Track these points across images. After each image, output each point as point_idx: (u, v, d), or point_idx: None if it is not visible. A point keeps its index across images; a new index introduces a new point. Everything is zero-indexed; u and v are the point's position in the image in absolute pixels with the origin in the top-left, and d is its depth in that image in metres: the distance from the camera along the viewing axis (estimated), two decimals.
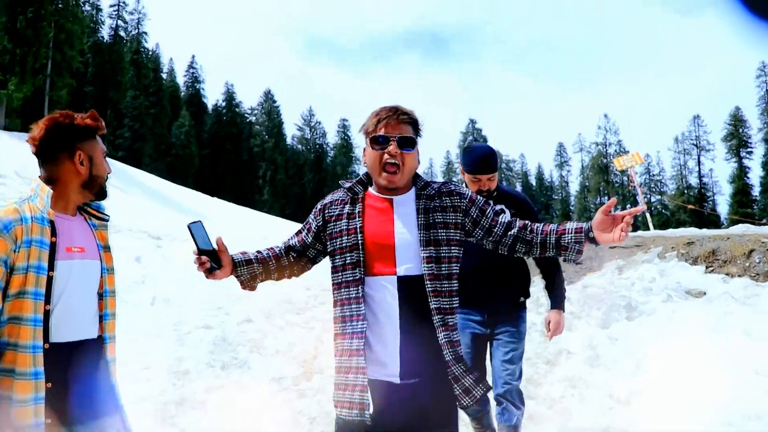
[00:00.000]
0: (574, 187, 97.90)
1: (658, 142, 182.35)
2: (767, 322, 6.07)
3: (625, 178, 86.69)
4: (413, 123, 2.43)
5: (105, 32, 68.61)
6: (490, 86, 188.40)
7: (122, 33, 70.82)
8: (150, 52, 76.82)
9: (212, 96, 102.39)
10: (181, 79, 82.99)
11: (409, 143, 2.37)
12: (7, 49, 39.94)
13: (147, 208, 22.66)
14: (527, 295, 4.07)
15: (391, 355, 2.25)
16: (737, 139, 77.05)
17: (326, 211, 2.47)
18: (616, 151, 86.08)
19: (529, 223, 2.47)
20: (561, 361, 6.10)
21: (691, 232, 10.36)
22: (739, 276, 7.35)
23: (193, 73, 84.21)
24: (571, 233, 2.36)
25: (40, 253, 2.17)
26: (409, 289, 2.29)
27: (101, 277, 2.39)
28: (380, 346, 2.28)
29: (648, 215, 20.59)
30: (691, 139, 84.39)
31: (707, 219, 61.41)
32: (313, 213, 2.52)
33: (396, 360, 2.25)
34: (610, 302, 7.26)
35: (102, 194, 2.43)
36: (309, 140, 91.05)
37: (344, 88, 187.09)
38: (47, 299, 2.17)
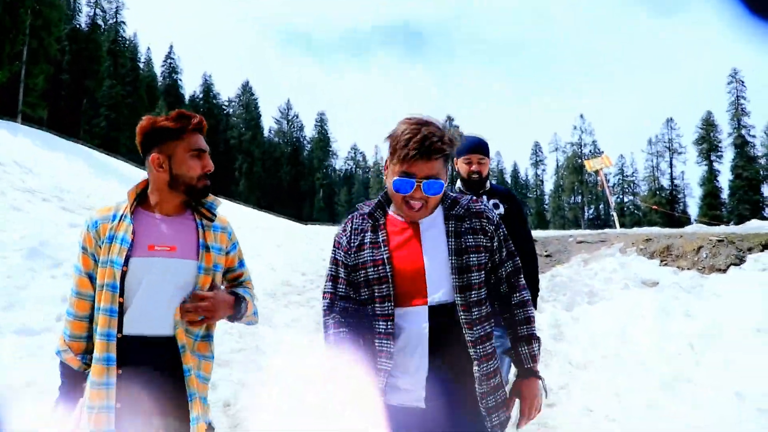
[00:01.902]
0: (548, 186, 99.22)
1: (632, 143, 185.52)
2: (706, 306, 6.99)
3: (599, 178, 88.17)
4: (445, 155, 2.17)
5: (83, 20, 67.88)
6: (466, 84, 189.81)
7: (100, 21, 70.06)
8: (128, 42, 76.21)
9: (189, 87, 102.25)
10: (158, 70, 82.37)
11: (436, 184, 2.14)
12: None
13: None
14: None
15: (418, 382, 2.14)
16: (708, 143, 78.29)
17: (350, 242, 2.27)
18: (591, 151, 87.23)
19: (514, 297, 2.34)
20: None
21: (650, 230, 11.30)
22: (688, 269, 8.26)
23: (170, 63, 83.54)
24: (514, 342, 2.34)
25: (120, 248, 2.27)
26: (441, 317, 2.14)
27: (196, 276, 2.35)
28: (405, 376, 2.15)
29: (615, 215, 21.61)
30: (664, 142, 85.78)
31: (678, 221, 62.66)
32: (336, 248, 2.32)
33: (422, 387, 2.13)
34: (575, 289, 8.19)
35: (194, 193, 2.42)
36: (286, 133, 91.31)
37: (321, 82, 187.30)
38: (122, 292, 2.24)
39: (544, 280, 8.80)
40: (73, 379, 2.34)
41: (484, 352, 2.17)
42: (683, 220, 64.81)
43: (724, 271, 7.90)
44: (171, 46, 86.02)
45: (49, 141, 29.94)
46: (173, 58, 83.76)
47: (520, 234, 3.94)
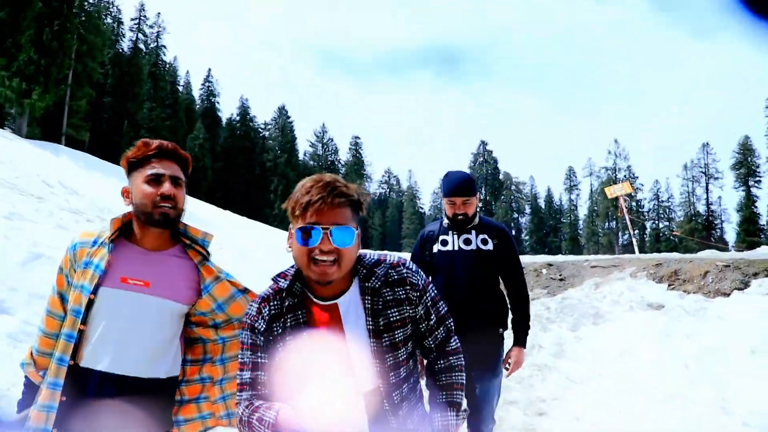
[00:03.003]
0: (582, 211, 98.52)
1: (668, 168, 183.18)
2: (707, 328, 7.30)
3: (633, 204, 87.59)
4: (353, 204, 1.93)
5: (125, 45, 70.02)
6: (502, 107, 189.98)
7: (142, 46, 72.20)
8: (167, 65, 78.26)
9: (227, 110, 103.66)
10: (196, 93, 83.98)
11: (346, 234, 1.88)
12: (33, 60, 40.83)
13: None
14: (505, 326, 3.93)
15: None
16: (746, 167, 77.53)
17: (265, 328, 1.97)
18: (625, 176, 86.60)
19: (440, 363, 2.14)
20: (533, 353, 7.40)
21: (662, 255, 11.60)
22: (694, 293, 8.58)
23: (208, 86, 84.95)
24: (432, 409, 2.11)
25: (92, 275, 2.20)
26: (377, 399, 1.95)
27: (179, 317, 2.30)
28: None
29: (634, 240, 21.91)
30: (700, 167, 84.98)
31: (714, 248, 61.75)
32: (252, 333, 1.99)
33: None
34: (582, 311, 8.55)
35: (153, 222, 2.27)
36: (321, 156, 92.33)
37: (356, 103, 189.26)
38: (85, 320, 2.18)
39: (554, 302, 9.22)
40: (32, 394, 2.32)
41: (414, 417, 2.02)
42: (720, 248, 63.76)
43: (728, 295, 8.19)
44: (209, 70, 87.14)
45: (90, 163, 31.10)
46: (211, 82, 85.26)
47: (510, 270, 3.99)
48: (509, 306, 4.01)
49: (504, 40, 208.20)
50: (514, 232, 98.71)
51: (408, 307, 2.00)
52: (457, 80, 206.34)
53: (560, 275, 10.77)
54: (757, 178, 76.93)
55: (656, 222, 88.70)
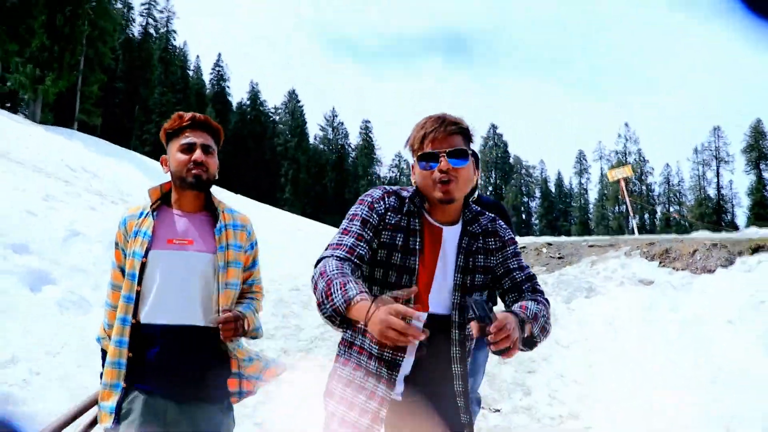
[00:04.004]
0: (593, 195, 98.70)
1: (678, 152, 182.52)
2: (690, 301, 7.89)
3: (644, 188, 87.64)
4: (463, 132, 2.16)
5: (136, 30, 70.43)
6: (510, 92, 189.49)
7: (152, 30, 72.63)
8: (178, 50, 78.61)
9: (237, 94, 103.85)
10: (207, 77, 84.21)
11: (460, 155, 2.11)
12: (46, 46, 41.04)
13: None
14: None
15: (398, 380, 2.11)
16: (757, 151, 77.37)
17: (383, 212, 2.16)
18: (635, 159, 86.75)
19: (530, 297, 2.18)
20: None
21: (656, 236, 12.20)
22: (683, 270, 9.13)
23: (218, 71, 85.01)
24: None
25: (142, 242, 2.43)
26: (433, 326, 1.91)
27: (214, 268, 2.47)
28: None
29: (634, 222, 22.51)
30: (711, 150, 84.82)
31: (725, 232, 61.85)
32: (369, 209, 2.15)
33: (401, 384, 2.12)
34: (576, 285, 9.15)
35: (187, 185, 2.50)
36: (331, 140, 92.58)
37: (366, 89, 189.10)
38: (140, 282, 2.38)
39: (552, 278, 9.83)
40: None
41: (463, 371, 2.16)
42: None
43: (713, 271, 8.74)
44: (219, 55, 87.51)
45: (104, 148, 31.77)
46: (221, 66, 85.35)
47: None
48: None
49: (512, 25, 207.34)
50: (524, 216, 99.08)
51: (493, 258, 2.23)
52: (466, 66, 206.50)
53: (559, 254, 11.36)
54: None
55: (666, 206, 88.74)
